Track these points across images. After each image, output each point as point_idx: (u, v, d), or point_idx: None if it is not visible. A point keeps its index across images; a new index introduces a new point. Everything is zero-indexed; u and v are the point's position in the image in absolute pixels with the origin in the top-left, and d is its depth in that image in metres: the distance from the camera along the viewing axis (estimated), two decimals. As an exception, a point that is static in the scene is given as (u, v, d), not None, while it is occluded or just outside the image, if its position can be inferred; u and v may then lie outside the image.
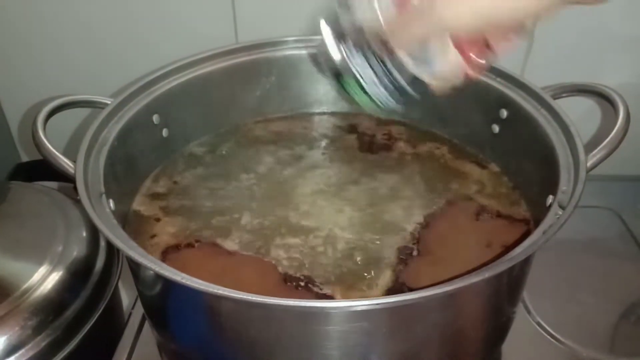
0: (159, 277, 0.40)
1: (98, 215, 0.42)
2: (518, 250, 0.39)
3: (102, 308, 0.57)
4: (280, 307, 0.35)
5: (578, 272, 0.64)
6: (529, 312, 0.59)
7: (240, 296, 0.35)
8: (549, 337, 0.57)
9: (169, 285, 0.42)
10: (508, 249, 0.43)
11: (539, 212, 0.50)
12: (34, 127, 0.49)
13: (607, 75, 0.70)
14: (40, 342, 0.51)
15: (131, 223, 0.55)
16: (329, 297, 0.47)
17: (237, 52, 0.63)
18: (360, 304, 0.35)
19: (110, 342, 0.59)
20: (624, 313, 0.61)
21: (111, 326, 0.61)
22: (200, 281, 0.37)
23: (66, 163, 0.48)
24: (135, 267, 0.48)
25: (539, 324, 0.58)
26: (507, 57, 0.66)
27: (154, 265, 0.38)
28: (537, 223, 0.51)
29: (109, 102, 0.55)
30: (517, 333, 0.54)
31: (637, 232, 0.69)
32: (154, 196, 0.58)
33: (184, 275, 0.37)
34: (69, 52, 0.74)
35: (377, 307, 0.35)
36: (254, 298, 0.35)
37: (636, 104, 0.53)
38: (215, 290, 0.36)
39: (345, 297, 0.46)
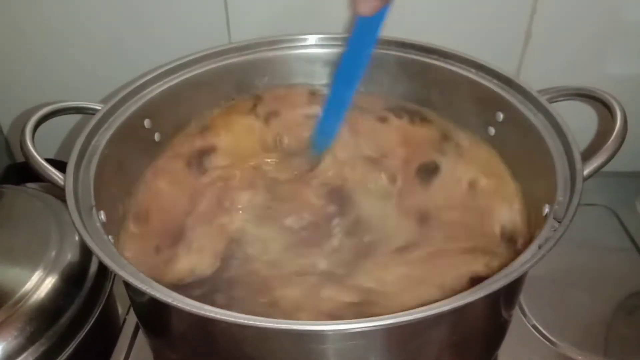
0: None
1: (89, 232, 0.42)
2: (513, 267, 0.38)
3: (97, 313, 0.56)
4: (274, 330, 0.35)
5: (573, 271, 0.64)
6: (524, 314, 0.59)
7: (234, 319, 0.35)
8: (544, 340, 0.57)
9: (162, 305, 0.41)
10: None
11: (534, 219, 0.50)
12: (22, 137, 0.48)
13: (610, 65, 0.68)
14: (35, 351, 0.51)
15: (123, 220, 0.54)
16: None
17: (229, 53, 0.61)
18: (357, 327, 0.34)
19: (106, 347, 0.58)
20: (620, 313, 0.61)
21: (107, 331, 0.60)
22: (193, 302, 0.36)
23: (55, 175, 0.47)
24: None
25: (534, 326, 0.58)
26: (504, 52, 0.66)
27: (146, 287, 0.38)
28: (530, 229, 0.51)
29: (99, 108, 0.54)
30: (513, 336, 0.54)
31: (632, 229, 0.69)
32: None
33: (175, 296, 0.37)
34: (62, 53, 0.72)
35: (374, 328, 0.35)
36: (247, 321, 0.35)
37: (633, 98, 0.51)
38: (208, 314, 0.35)
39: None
